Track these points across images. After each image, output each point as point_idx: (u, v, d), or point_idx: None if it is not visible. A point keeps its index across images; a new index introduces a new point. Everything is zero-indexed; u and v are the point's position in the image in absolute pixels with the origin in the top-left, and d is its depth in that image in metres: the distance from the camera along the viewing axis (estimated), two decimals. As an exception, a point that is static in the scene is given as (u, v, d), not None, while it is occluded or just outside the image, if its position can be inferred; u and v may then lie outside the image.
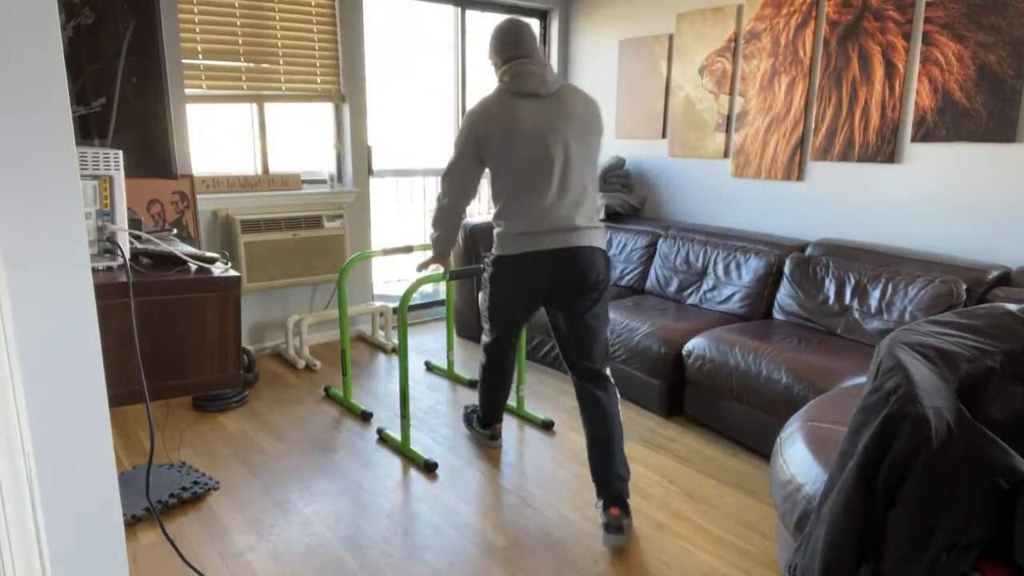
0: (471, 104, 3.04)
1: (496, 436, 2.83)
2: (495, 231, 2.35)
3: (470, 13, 4.43)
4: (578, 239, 2.27)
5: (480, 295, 2.50)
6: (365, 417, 3.06)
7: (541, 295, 2.33)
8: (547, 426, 3.00)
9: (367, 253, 3.13)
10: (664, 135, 4.13)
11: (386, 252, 3.12)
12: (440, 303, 4.73)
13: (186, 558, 2.05)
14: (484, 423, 2.82)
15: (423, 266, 2.70)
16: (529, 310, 2.41)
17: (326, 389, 3.35)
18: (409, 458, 2.71)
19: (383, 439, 2.86)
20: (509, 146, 2.23)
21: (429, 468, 2.63)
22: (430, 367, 3.73)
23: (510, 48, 2.30)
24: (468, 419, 2.94)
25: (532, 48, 2.32)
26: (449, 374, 3.62)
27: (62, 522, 1.03)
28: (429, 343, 4.16)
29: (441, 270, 2.72)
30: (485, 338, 2.60)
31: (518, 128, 2.22)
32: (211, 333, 1.44)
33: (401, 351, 2.67)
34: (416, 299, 4.83)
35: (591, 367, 2.35)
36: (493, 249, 2.36)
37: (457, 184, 2.35)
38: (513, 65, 2.28)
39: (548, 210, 2.25)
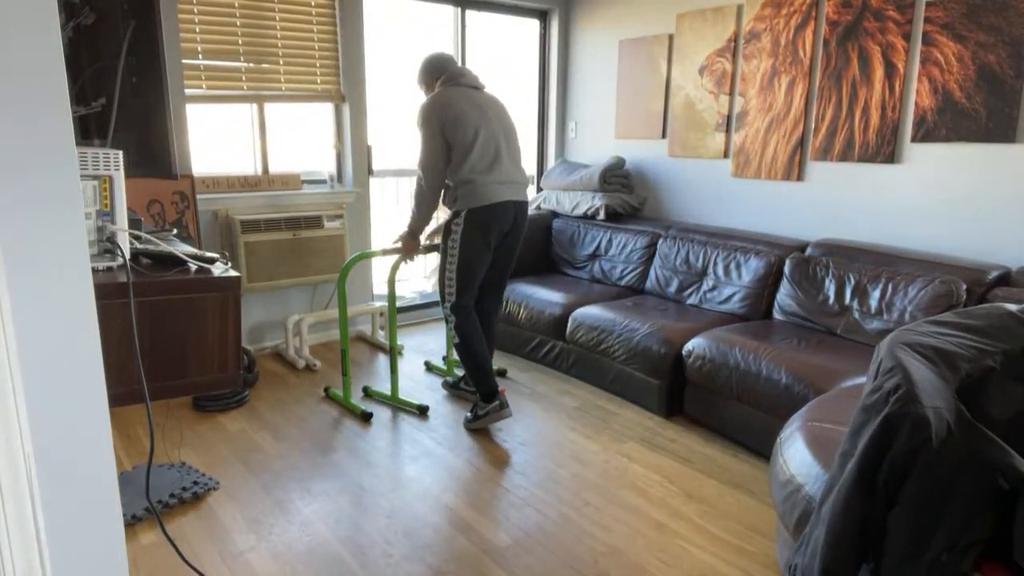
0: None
1: (504, 404, 2.91)
2: (461, 190, 2.78)
3: (470, 13, 4.43)
4: (523, 193, 2.92)
5: (447, 263, 2.87)
6: (365, 417, 3.07)
7: (500, 239, 2.88)
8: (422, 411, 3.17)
9: (367, 253, 3.14)
10: (664, 135, 4.14)
11: (385, 252, 3.12)
12: (439, 303, 4.73)
13: (186, 558, 2.05)
14: (487, 397, 2.90)
15: (396, 247, 3.04)
16: (489, 257, 2.89)
17: (326, 389, 3.35)
18: (400, 406, 3.22)
19: (368, 395, 3.34)
20: (472, 121, 2.76)
21: (422, 411, 3.12)
22: (430, 367, 3.73)
23: (438, 68, 2.89)
24: (473, 414, 2.96)
25: (455, 62, 2.92)
26: (448, 374, 3.62)
27: (62, 522, 1.03)
28: (429, 343, 4.16)
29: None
30: (453, 300, 2.88)
31: (476, 106, 2.80)
32: (211, 333, 1.44)
33: (389, 299, 2.68)
34: (416, 299, 4.84)
35: (500, 299, 3.15)
36: (459, 207, 2.79)
37: (433, 167, 2.79)
38: (448, 73, 2.86)
39: (506, 168, 2.84)
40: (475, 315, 2.95)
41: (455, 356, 3.75)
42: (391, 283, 3.11)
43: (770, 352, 2.72)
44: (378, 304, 4.16)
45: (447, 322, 2.93)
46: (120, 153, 1.40)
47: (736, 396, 2.79)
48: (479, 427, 2.95)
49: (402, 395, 3.31)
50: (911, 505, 1.24)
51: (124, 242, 1.43)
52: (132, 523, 2.22)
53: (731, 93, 3.74)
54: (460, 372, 3.56)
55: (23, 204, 0.93)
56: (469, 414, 2.98)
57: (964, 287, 2.66)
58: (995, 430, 1.33)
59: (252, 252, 3.63)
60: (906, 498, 1.25)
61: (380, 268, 4.49)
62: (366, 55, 3.95)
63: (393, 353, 3.20)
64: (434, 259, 4.70)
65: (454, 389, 3.38)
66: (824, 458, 1.75)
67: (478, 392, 2.93)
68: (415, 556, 2.08)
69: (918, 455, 1.23)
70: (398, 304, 4.61)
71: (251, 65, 3.59)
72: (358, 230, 4.12)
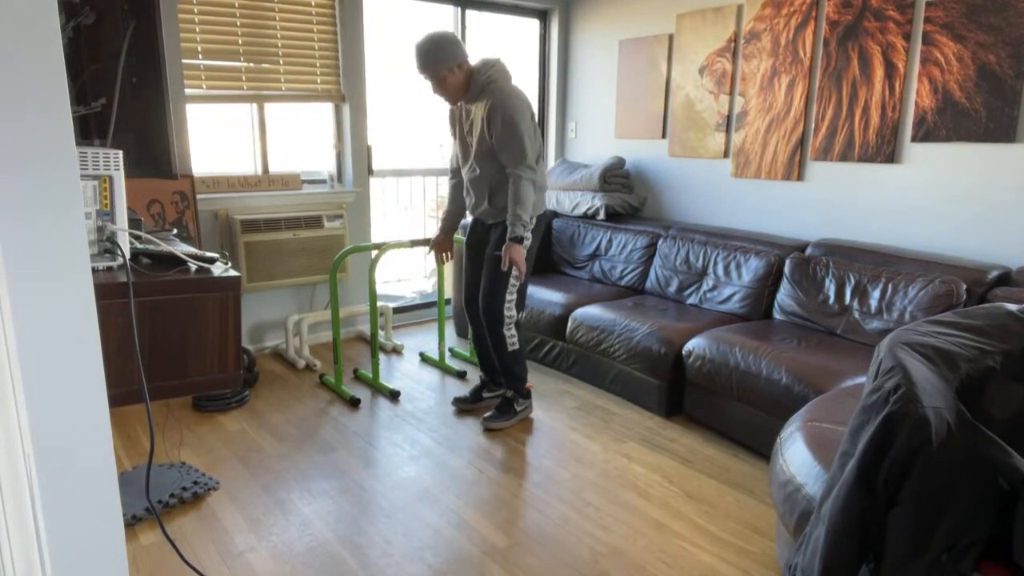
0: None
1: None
2: (537, 193, 2.76)
3: (470, 13, 4.43)
4: None
5: (514, 276, 2.83)
6: (354, 403, 3.20)
7: None
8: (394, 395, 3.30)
9: (359, 247, 3.18)
10: (664, 135, 4.13)
11: (378, 247, 3.16)
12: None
13: (186, 558, 2.05)
14: (527, 395, 3.04)
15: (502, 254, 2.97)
16: None
17: (320, 376, 3.47)
18: (377, 389, 3.39)
19: (357, 377, 3.56)
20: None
21: (394, 396, 3.27)
22: (424, 358, 3.84)
23: (462, 50, 2.72)
24: (504, 411, 2.99)
25: None
26: (440, 363, 3.72)
27: (62, 522, 1.02)
28: (429, 343, 4.16)
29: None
30: (515, 317, 2.90)
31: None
32: (211, 333, 1.44)
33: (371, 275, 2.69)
34: (415, 299, 4.84)
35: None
36: (531, 213, 2.75)
37: (533, 164, 2.73)
38: (485, 62, 2.75)
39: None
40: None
41: (458, 350, 3.81)
42: (371, 281, 3.16)
43: (770, 352, 2.72)
44: (379, 303, 4.16)
45: (499, 336, 2.88)
46: (120, 153, 1.40)
47: (736, 396, 2.79)
48: (513, 424, 3.01)
49: (403, 398, 3.33)
50: (911, 505, 1.24)
51: (124, 242, 1.43)
52: (132, 523, 2.22)
53: (731, 93, 3.74)
54: (470, 378, 3.58)
55: (23, 204, 0.93)
56: (494, 411, 3.00)
57: (964, 287, 2.66)
58: (995, 430, 1.33)
59: (252, 252, 3.63)
60: (906, 498, 1.25)
61: (381, 268, 4.49)
62: (366, 55, 3.95)
63: (374, 339, 3.31)
64: (430, 258, 4.70)
65: (475, 404, 3.18)
66: (824, 458, 1.75)
67: (518, 392, 3.02)
68: (415, 556, 2.08)
69: (918, 455, 1.23)
70: (398, 304, 4.62)
71: (251, 65, 3.59)
72: (358, 230, 4.12)
